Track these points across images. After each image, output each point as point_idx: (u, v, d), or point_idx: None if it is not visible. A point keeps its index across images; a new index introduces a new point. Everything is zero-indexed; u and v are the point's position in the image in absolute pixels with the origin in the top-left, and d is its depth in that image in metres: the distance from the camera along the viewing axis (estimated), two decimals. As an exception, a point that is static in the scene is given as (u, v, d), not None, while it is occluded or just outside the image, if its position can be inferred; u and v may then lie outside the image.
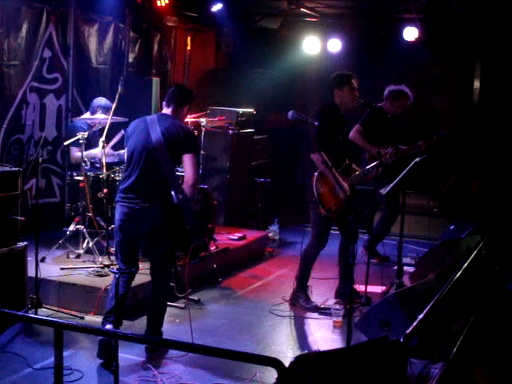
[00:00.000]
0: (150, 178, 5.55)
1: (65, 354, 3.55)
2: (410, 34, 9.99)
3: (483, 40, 10.46)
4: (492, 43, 10.47)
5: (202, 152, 8.71)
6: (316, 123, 6.33)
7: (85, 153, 7.31)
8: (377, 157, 7.20)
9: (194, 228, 5.56)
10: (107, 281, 6.46)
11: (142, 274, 6.34)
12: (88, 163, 7.38)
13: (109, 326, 5.39)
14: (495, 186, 10.30)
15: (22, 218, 6.09)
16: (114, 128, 7.50)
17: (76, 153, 7.58)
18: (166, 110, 5.77)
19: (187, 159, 5.60)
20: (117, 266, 5.88)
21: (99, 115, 7.57)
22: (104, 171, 7.15)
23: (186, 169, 5.63)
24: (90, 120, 7.58)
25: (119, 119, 7.39)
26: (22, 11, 7.84)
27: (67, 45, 8.55)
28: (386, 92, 8.44)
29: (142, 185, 5.54)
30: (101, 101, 7.87)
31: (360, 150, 8.30)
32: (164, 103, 5.83)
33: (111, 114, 7.24)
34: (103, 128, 7.28)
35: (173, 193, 5.52)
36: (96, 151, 7.47)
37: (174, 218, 5.54)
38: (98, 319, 6.23)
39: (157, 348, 5.61)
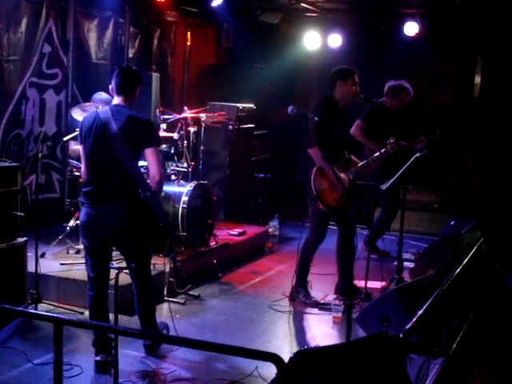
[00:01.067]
0: (114, 179, 5.25)
1: (65, 349, 3.53)
2: (411, 29, 9.97)
3: (484, 35, 10.44)
4: (493, 38, 10.45)
5: (201, 147, 8.70)
6: (315, 118, 6.32)
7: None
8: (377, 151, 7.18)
9: (167, 224, 5.36)
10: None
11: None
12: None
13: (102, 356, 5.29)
14: (496, 181, 10.29)
15: (22, 214, 6.09)
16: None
17: (73, 146, 7.58)
18: (118, 99, 5.37)
19: (150, 153, 5.27)
20: (117, 263, 5.83)
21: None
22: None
23: (150, 164, 5.31)
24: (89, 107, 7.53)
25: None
26: (22, 6, 7.82)
27: (67, 40, 8.53)
28: (386, 87, 8.42)
29: (105, 186, 5.26)
30: (101, 95, 7.86)
31: (361, 144, 8.29)
32: (112, 90, 5.41)
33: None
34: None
35: (140, 191, 5.26)
36: None
37: (143, 217, 5.30)
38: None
39: (156, 344, 5.59)
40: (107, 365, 5.06)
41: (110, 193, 5.24)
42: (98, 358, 5.30)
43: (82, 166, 5.43)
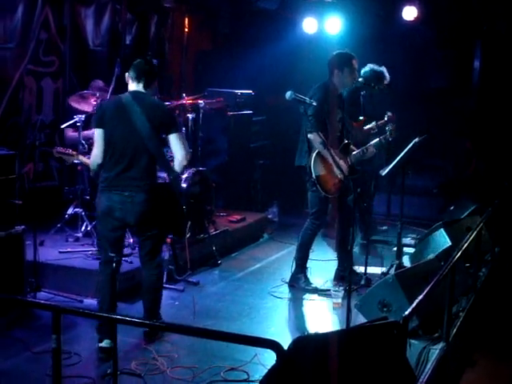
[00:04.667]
0: (139, 165, 5.33)
1: (64, 337, 3.53)
2: (410, 13, 9.92)
3: (483, 19, 10.38)
4: (492, 22, 10.39)
5: (200, 134, 8.66)
6: (314, 103, 6.28)
7: (83, 133, 7.29)
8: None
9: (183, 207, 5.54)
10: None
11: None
12: (86, 145, 7.33)
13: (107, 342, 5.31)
14: (494, 166, 10.27)
15: (20, 202, 6.06)
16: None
17: (70, 133, 7.55)
18: (137, 87, 5.46)
19: (176, 138, 5.42)
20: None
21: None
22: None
23: (177, 148, 5.42)
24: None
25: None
26: (18, -8, 7.76)
27: (63, 27, 8.47)
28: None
29: (131, 172, 5.32)
30: (98, 83, 7.84)
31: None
32: (130, 78, 5.49)
33: (108, 96, 7.22)
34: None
35: (164, 174, 5.43)
36: (90, 132, 7.41)
37: (165, 201, 5.46)
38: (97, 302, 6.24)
39: (155, 331, 5.58)
40: (111, 351, 5.03)
41: (134, 178, 5.33)
42: (102, 345, 5.30)
43: (97, 149, 5.39)
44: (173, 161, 5.52)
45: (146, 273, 5.69)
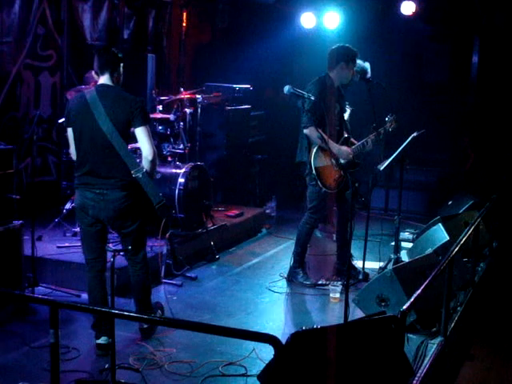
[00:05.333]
0: (107, 163, 5.21)
1: (62, 332, 3.53)
2: (408, 8, 9.91)
3: (481, 14, 10.37)
4: (490, 16, 10.38)
5: (198, 128, 8.66)
6: (312, 98, 6.27)
7: None
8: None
9: (161, 205, 5.28)
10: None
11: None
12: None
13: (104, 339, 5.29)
14: (491, 160, 10.28)
15: (18, 197, 6.05)
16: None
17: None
18: (103, 79, 5.31)
19: (141, 133, 5.19)
20: (113, 245, 5.80)
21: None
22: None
23: (142, 143, 5.22)
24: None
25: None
26: (15, -13, 7.75)
27: (61, 21, 8.45)
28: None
29: (99, 170, 5.21)
30: (93, 73, 7.80)
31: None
32: (95, 71, 5.36)
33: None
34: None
35: (132, 172, 5.19)
36: None
37: (138, 198, 5.29)
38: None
39: (152, 326, 5.57)
40: (108, 347, 5.01)
41: (102, 176, 5.20)
42: (99, 341, 5.27)
43: (71, 147, 5.36)
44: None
45: (131, 269, 5.59)
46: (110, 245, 5.78)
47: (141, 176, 5.19)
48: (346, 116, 7.32)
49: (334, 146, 6.62)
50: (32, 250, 6.29)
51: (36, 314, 5.84)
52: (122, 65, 5.39)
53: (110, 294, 4.64)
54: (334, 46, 6.98)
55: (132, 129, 5.25)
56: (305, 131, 6.61)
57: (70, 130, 5.33)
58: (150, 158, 5.21)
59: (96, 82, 7.36)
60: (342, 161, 6.74)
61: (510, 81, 10.51)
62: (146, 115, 5.33)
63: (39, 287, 6.32)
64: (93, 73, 5.46)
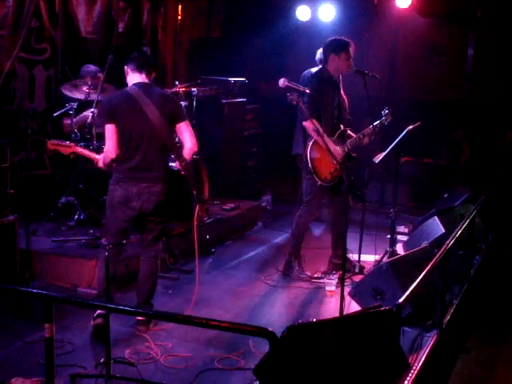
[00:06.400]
0: (155, 156, 5.49)
1: (57, 326, 3.52)
2: (404, 1, 9.89)
3: (477, 7, 10.35)
4: (486, 10, 10.36)
5: (193, 121, 8.62)
6: (307, 90, 6.25)
7: (75, 119, 7.26)
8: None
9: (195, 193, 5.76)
10: (99, 252, 6.40)
11: (135, 245, 6.31)
12: (78, 134, 7.28)
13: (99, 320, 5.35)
14: (486, 153, 10.29)
15: (12, 191, 6.04)
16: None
17: (66, 121, 7.52)
18: (141, 78, 5.55)
19: (185, 126, 5.58)
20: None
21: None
22: (94, 142, 7.06)
23: (187, 136, 5.58)
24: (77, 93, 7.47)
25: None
26: (8, -20, 7.69)
27: (55, 14, 8.39)
28: None
29: (147, 164, 5.46)
30: (89, 67, 7.78)
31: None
32: (130, 70, 5.57)
33: (101, 84, 7.17)
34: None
35: (177, 163, 5.61)
36: (85, 113, 7.35)
37: (177, 188, 5.66)
38: (91, 291, 6.24)
39: (149, 320, 5.58)
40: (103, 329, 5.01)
41: (150, 169, 5.47)
42: (96, 322, 5.33)
43: (111, 143, 5.42)
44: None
45: (145, 257, 5.77)
46: (103, 240, 5.76)
47: (184, 164, 5.65)
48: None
49: (329, 142, 6.59)
50: (27, 244, 6.27)
51: (30, 308, 5.82)
52: (155, 71, 5.75)
53: (106, 288, 4.64)
54: (330, 38, 6.97)
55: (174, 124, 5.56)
56: (304, 124, 6.59)
57: (110, 127, 5.42)
58: (195, 149, 5.65)
59: (92, 76, 7.40)
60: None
61: (505, 74, 10.51)
62: (185, 112, 5.77)
63: (34, 281, 6.31)
64: (126, 68, 5.61)
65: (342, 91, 7.02)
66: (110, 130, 5.41)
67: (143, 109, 5.41)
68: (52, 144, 5.75)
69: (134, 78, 5.57)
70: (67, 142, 5.78)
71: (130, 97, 5.46)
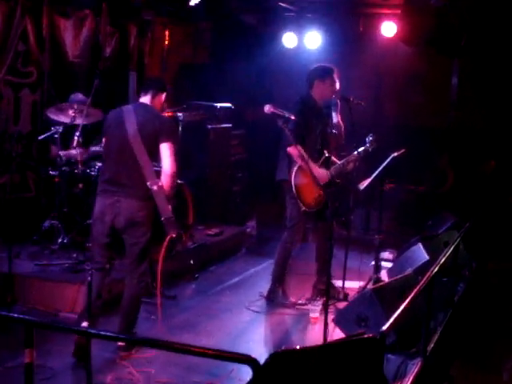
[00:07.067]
0: (128, 171, 5.51)
1: (38, 351, 3.48)
2: (389, 29, 9.97)
3: (462, 35, 10.46)
4: (470, 38, 10.47)
5: (178, 147, 8.62)
6: (292, 117, 6.29)
7: (63, 152, 7.27)
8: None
9: (169, 220, 5.49)
10: (82, 277, 6.36)
11: (117, 270, 6.27)
12: (63, 158, 7.28)
13: (84, 324, 5.33)
14: (471, 181, 10.33)
15: (-5, 214, 6.01)
16: (93, 126, 7.46)
17: (53, 151, 7.55)
18: (143, 99, 5.76)
19: (164, 148, 5.55)
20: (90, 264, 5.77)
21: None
22: (79, 166, 7.05)
23: (163, 158, 5.57)
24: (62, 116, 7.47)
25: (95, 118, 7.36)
26: (-4, 3, 7.70)
27: (42, 38, 8.40)
28: None
29: (120, 177, 5.51)
30: (78, 96, 7.80)
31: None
32: (142, 92, 5.84)
33: (86, 108, 7.19)
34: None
35: (148, 184, 5.47)
36: (73, 151, 7.34)
37: (152, 210, 5.54)
38: (73, 316, 6.18)
39: (130, 346, 5.53)
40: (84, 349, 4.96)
41: (123, 184, 5.49)
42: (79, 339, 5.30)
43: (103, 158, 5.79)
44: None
45: (128, 282, 5.73)
46: (88, 263, 5.74)
47: (156, 188, 5.46)
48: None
49: (314, 168, 6.60)
50: (9, 267, 6.22)
51: (12, 333, 5.75)
52: (164, 94, 5.85)
53: (88, 312, 4.60)
54: (314, 65, 7.03)
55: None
56: (288, 149, 6.61)
57: (103, 141, 5.83)
58: (168, 172, 5.55)
59: (79, 102, 7.44)
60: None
61: (490, 101, 10.60)
62: (172, 133, 5.75)
63: (16, 305, 6.24)
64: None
65: (338, 115, 7.05)
66: (103, 142, 5.76)
67: (125, 125, 5.53)
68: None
69: (140, 98, 5.80)
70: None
71: (120, 113, 5.65)
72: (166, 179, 5.55)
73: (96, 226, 5.64)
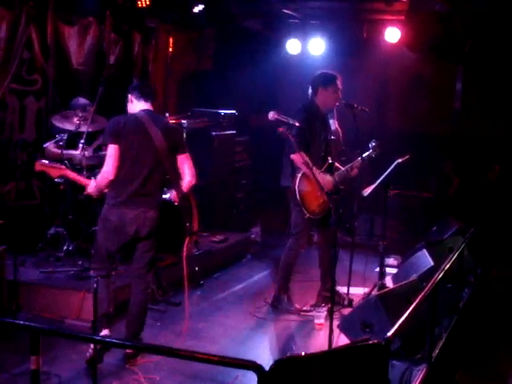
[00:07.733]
0: (154, 182, 5.50)
1: (44, 358, 3.49)
2: (393, 35, 9.98)
3: (466, 42, 10.47)
4: (474, 45, 10.48)
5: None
6: (296, 124, 6.29)
7: (64, 151, 7.26)
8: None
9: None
10: (88, 284, 6.37)
11: (123, 276, 6.29)
12: (67, 163, 7.29)
13: (105, 332, 5.37)
14: (475, 186, 10.33)
15: (1, 221, 6.02)
16: (98, 133, 7.47)
17: (53, 149, 7.51)
18: (146, 106, 5.63)
19: (185, 158, 5.62)
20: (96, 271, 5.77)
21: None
22: (84, 173, 7.07)
23: (186, 168, 5.61)
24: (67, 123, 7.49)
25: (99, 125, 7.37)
26: (1, 12, 7.73)
27: (47, 46, 8.44)
28: None
29: (145, 189, 5.46)
30: (79, 100, 7.82)
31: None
32: (135, 98, 5.62)
33: (91, 115, 7.21)
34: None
35: (172, 192, 5.63)
36: (75, 152, 7.36)
37: (166, 219, 5.64)
38: (79, 323, 6.19)
39: (137, 353, 5.53)
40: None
41: (148, 194, 5.47)
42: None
43: (111, 164, 5.43)
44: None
45: (136, 290, 5.72)
46: (91, 272, 5.76)
47: (181, 196, 5.64)
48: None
49: (318, 174, 6.61)
50: (14, 274, 6.23)
51: (18, 340, 5.76)
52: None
53: (93, 321, 4.61)
54: (317, 72, 7.03)
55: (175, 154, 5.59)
56: (292, 156, 6.62)
57: (114, 148, 5.44)
58: (193, 182, 5.68)
59: (82, 106, 7.43)
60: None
61: (494, 107, 10.60)
62: (185, 143, 5.78)
63: (22, 313, 6.26)
64: (130, 97, 5.66)
65: (336, 122, 7.06)
66: (112, 150, 5.43)
67: (149, 133, 5.43)
68: (40, 164, 5.65)
69: (138, 105, 5.62)
70: (57, 164, 5.73)
71: (137, 120, 5.50)
72: (188, 188, 5.66)
73: (109, 235, 5.54)
